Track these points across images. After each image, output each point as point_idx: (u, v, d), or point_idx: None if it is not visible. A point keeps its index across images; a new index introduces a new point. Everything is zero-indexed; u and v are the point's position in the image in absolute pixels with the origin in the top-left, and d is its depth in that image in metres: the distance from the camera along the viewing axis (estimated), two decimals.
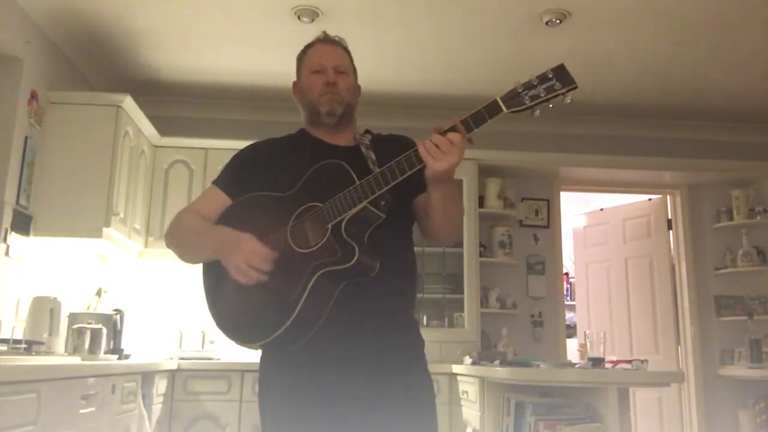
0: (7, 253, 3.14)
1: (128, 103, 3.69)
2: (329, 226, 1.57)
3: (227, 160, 1.86)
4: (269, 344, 1.60)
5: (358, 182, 1.56)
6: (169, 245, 1.80)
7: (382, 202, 1.57)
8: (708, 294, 4.93)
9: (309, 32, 1.91)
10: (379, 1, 3.36)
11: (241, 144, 4.78)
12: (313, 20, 3.45)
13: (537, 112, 1.51)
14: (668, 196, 5.21)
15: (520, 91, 1.49)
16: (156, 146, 4.26)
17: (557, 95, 1.48)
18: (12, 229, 3.17)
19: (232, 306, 1.65)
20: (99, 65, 4.12)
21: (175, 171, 4.26)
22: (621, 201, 5.54)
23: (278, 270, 1.58)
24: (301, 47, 1.87)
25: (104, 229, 3.50)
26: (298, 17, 3.44)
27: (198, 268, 1.76)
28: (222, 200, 1.76)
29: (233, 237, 1.61)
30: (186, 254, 1.78)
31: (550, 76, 1.49)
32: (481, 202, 4.55)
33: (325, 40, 1.83)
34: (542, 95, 1.48)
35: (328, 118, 1.75)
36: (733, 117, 4.88)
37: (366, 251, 1.55)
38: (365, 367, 1.60)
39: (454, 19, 3.51)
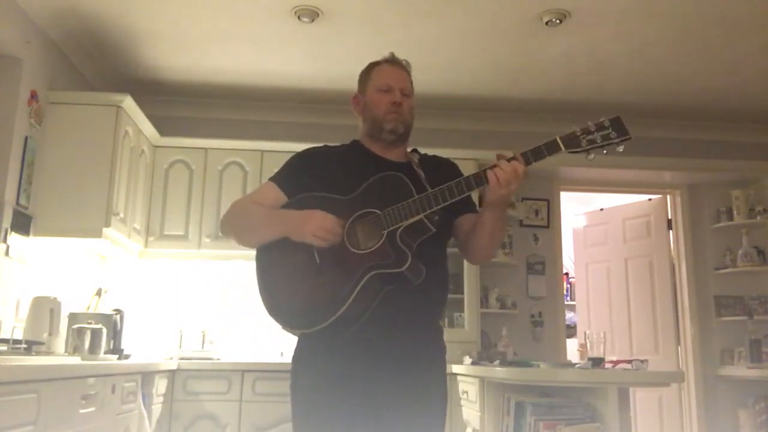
0: (7, 253, 3.14)
1: (128, 103, 3.69)
2: (385, 232, 1.69)
3: (284, 161, 1.95)
4: (314, 333, 1.71)
5: (416, 195, 1.69)
6: (228, 229, 1.91)
7: (436, 217, 1.71)
8: (708, 294, 4.93)
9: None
10: (379, 1, 3.35)
11: (242, 144, 4.77)
12: (313, 20, 3.44)
13: (592, 156, 1.67)
14: (668, 196, 5.21)
15: (578, 134, 1.66)
16: (156, 146, 4.26)
17: (611, 144, 1.65)
18: (12, 229, 3.18)
19: (284, 293, 1.76)
20: (99, 65, 4.12)
21: (175, 171, 4.25)
22: (621, 201, 5.54)
23: (333, 265, 1.70)
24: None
25: (104, 229, 3.50)
26: (298, 17, 3.43)
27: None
28: (278, 197, 1.87)
29: (304, 212, 1.74)
30: (246, 238, 1.88)
31: (607, 125, 1.66)
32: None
33: (392, 61, 1.97)
34: (598, 141, 1.66)
35: (389, 135, 1.89)
36: (733, 117, 4.88)
37: (416, 259, 1.67)
38: (394, 365, 1.72)
39: (453, 19, 3.51)
